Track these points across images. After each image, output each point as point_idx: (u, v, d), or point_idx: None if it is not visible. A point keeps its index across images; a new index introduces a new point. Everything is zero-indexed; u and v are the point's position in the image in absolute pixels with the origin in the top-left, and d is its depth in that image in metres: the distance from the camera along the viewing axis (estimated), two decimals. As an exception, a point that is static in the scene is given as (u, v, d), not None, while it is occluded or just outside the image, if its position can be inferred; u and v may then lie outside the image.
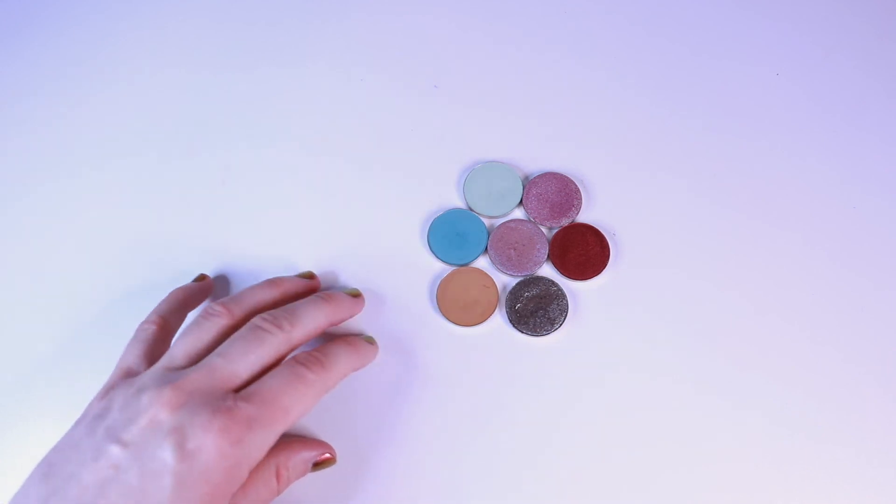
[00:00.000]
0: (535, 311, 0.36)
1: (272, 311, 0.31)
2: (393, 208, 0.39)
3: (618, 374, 0.35)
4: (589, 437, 0.34)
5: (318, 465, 0.32)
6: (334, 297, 0.33)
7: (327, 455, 0.33)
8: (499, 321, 0.36)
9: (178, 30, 0.44)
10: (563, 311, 0.36)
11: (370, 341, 0.34)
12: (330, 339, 0.34)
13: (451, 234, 0.38)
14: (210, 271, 0.37)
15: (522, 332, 0.36)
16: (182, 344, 0.29)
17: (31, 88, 0.42)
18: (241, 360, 0.28)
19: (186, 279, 0.37)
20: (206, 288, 0.36)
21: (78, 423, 0.28)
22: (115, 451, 0.25)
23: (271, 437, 0.27)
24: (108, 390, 0.29)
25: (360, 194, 0.39)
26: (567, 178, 0.39)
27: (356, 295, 0.35)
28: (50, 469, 0.26)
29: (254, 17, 0.44)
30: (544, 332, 0.36)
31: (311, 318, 0.31)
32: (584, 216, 0.39)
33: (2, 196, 0.40)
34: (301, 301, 0.32)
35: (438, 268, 0.37)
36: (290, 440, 0.32)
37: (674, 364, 0.35)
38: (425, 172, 0.40)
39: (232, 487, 0.26)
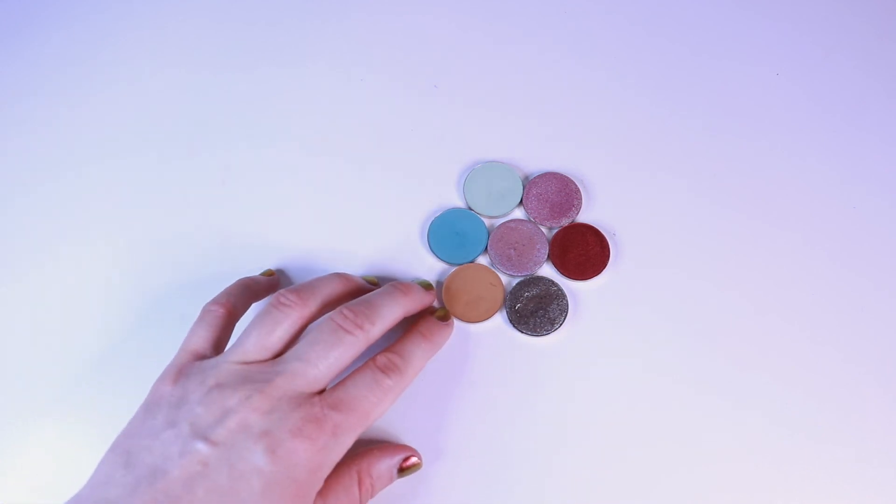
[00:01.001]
0: (535, 311, 0.36)
1: (351, 307, 0.30)
2: (393, 208, 0.39)
3: (618, 374, 0.35)
4: (589, 437, 0.34)
5: (403, 471, 0.32)
6: (411, 289, 0.33)
7: (413, 459, 0.32)
8: (499, 321, 0.36)
9: (178, 30, 0.44)
10: (563, 311, 0.36)
11: (444, 317, 0.34)
12: (406, 328, 0.33)
13: (451, 234, 0.38)
14: (210, 271, 0.37)
15: (522, 332, 0.36)
16: (255, 335, 0.29)
17: (31, 88, 0.42)
18: (323, 362, 0.28)
19: (186, 279, 0.37)
20: (274, 284, 0.36)
21: (150, 407, 0.28)
22: (203, 448, 0.25)
23: (351, 441, 0.28)
24: (179, 375, 0.28)
25: (360, 194, 0.39)
26: (567, 178, 0.39)
27: (428, 287, 0.35)
28: (129, 457, 0.26)
29: (254, 17, 0.44)
30: (544, 332, 0.36)
31: (390, 313, 0.31)
32: (584, 216, 0.39)
33: (1, 196, 0.40)
34: (378, 293, 0.32)
35: (439, 267, 0.37)
36: (371, 448, 0.32)
37: (674, 364, 0.35)
38: (425, 172, 0.40)
39: (315, 489, 0.27)
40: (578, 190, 0.39)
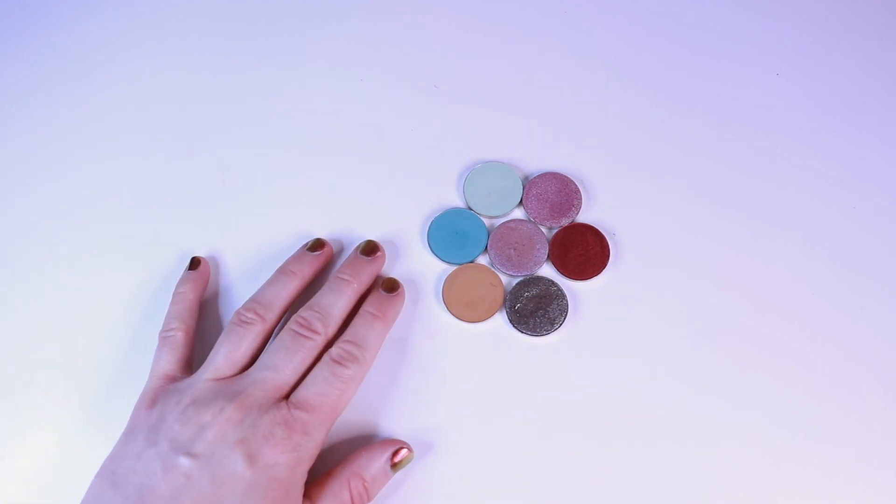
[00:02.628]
0: (535, 310, 0.36)
1: (304, 315, 0.32)
2: (393, 208, 0.39)
3: (618, 373, 0.35)
4: (589, 436, 0.34)
5: (397, 466, 0.32)
6: (355, 272, 0.35)
7: (404, 452, 0.32)
8: (499, 321, 0.36)
9: (178, 30, 0.44)
10: (563, 311, 0.36)
11: (391, 287, 0.35)
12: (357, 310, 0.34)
13: (451, 234, 0.38)
14: (209, 271, 0.37)
15: (522, 332, 0.36)
16: (223, 352, 0.31)
17: (31, 88, 0.42)
18: (287, 367, 0.31)
19: (186, 279, 0.37)
20: (205, 272, 0.37)
21: (131, 433, 0.29)
22: (185, 462, 0.27)
23: (323, 433, 0.30)
24: (154, 399, 0.30)
25: (360, 194, 0.39)
26: (567, 178, 0.39)
27: (372, 251, 0.36)
28: (116, 479, 0.27)
29: (254, 17, 0.44)
30: (544, 332, 0.36)
31: (341, 308, 0.33)
32: (584, 216, 0.39)
33: (1, 196, 0.40)
34: (324, 292, 0.33)
35: (439, 267, 0.37)
36: (359, 450, 0.32)
37: (674, 364, 0.35)
38: (425, 172, 0.40)
39: (298, 484, 0.29)
40: (578, 190, 0.39)
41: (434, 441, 0.34)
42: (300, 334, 0.31)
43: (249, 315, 0.32)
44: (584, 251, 0.37)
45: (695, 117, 0.41)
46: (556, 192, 0.38)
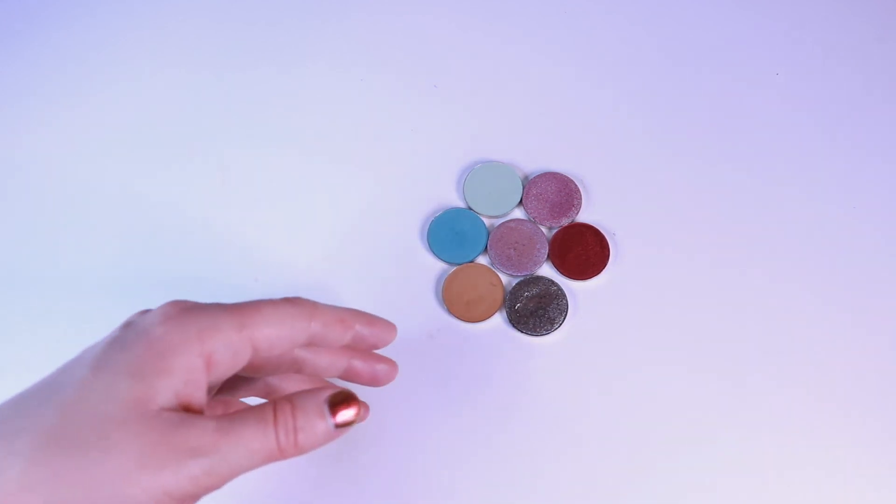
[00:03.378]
0: (535, 310, 0.36)
1: None
2: (393, 208, 0.39)
3: (617, 373, 0.35)
4: (588, 436, 0.34)
5: (340, 425, 0.24)
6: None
7: (348, 410, 0.24)
8: (499, 321, 0.36)
9: (178, 30, 0.44)
10: (563, 310, 0.36)
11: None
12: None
13: (450, 234, 0.38)
14: (209, 272, 0.37)
15: (522, 332, 0.36)
16: None
17: (31, 88, 0.42)
18: None
19: (186, 279, 0.37)
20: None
21: None
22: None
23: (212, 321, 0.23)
24: None
25: (360, 194, 0.39)
26: (567, 178, 0.39)
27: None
28: None
29: (254, 17, 0.44)
30: (544, 332, 0.36)
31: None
32: (584, 216, 0.39)
33: (1, 196, 0.40)
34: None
35: (439, 267, 0.37)
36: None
37: (673, 363, 0.35)
38: (425, 172, 0.40)
39: (179, 350, 0.22)
40: (578, 190, 0.39)
41: (434, 441, 0.34)
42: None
43: None
44: (583, 251, 0.37)
45: (695, 117, 0.41)
46: (556, 192, 0.38)
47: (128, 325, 0.24)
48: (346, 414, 0.24)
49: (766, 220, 0.38)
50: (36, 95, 0.42)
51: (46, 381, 0.23)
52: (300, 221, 0.39)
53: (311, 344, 0.25)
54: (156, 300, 0.36)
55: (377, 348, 0.27)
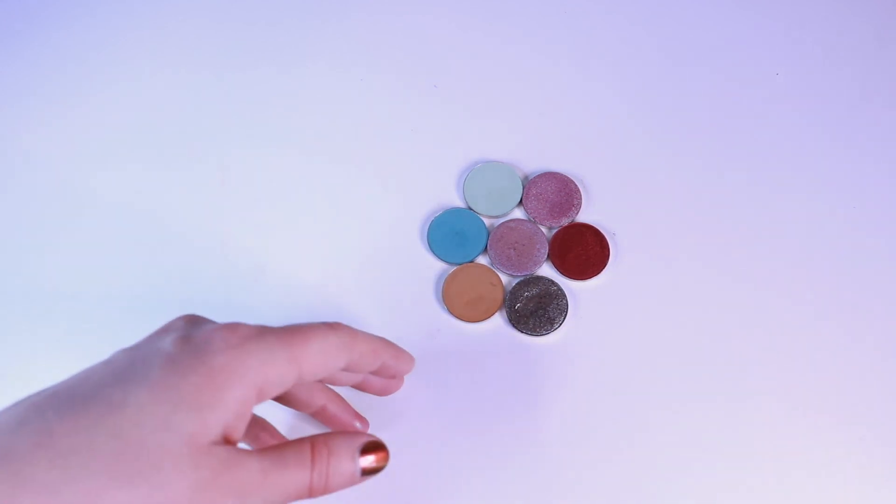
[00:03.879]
0: (535, 310, 0.36)
1: None
2: (393, 208, 0.39)
3: (617, 373, 0.35)
4: (588, 436, 0.34)
5: (367, 470, 0.26)
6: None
7: (373, 458, 0.26)
8: (499, 321, 0.36)
9: (178, 30, 0.44)
10: (563, 310, 0.36)
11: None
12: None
13: (451, 234, 0.38)
14: (209, 272, 0.37)
15: (522, 332, 0.36)
16: None
17: (31, 88, 0.42)
18: None
19: (185, 279, 0.37)
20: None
21: None
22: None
23: (273, 354, 0.23)
24: None
25: (360, 194, 0.39)
26: (567, 178, 0.39)
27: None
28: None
29: (254, 17, 0.44)
30: (544, 332, 0.36)
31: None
32: (584, 216, 0.39)
33: (1, 196, 0.40)
34: None
35: (439, 267, 0.37)
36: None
37: (673, 363, 0.35)
38: (425, 172, 0.40)
39: (232, 378, 0.22)
40: (578, 190, 0.39)
41: (433, 441, 0.34)
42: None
43: None
44: (583, 251, 0.37)
45: (695, 117, 0.41)
46: (555, 191, 0.38)
47: (185, 341, 0.23)
48: (372, 461, 0.26)
49: (766, 220, 0.38)
50: (36, 95, 0.42)
51: (92, 388, 0.22)
52: (300, 221, 0.39)
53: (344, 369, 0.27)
54: (156, 300, 0.37)
55: (395, 377, 0.31)
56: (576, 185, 0.39)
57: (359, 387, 0.31)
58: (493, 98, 0.42)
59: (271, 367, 0.23)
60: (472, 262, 0.37)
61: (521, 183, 0.39)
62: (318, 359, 0.24)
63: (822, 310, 0.36)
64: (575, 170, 0.39)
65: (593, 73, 0.42)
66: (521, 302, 0.36)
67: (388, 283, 0.37)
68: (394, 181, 0.39)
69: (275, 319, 0.28)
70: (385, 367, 0.29)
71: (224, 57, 0.43)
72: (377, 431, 0.34)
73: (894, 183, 0.39)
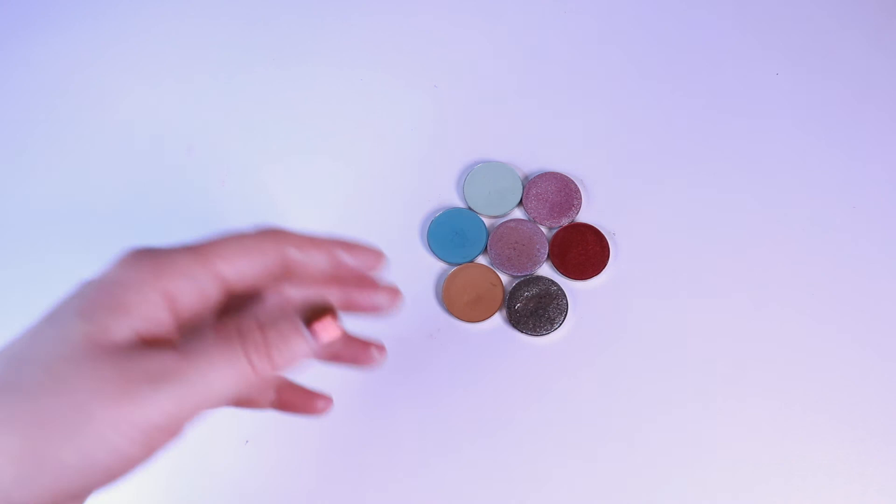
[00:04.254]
0: (535, 310, 0.36)
1: None
2: (393, 208, 0.39)
3: (617, 373, 0.35)
4: (588, 435, 0.34)
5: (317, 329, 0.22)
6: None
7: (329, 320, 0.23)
8: (499, 321, 0.36)
9: (178, 30, 0.44)
10: (563, 310, 0.36)
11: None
12: None
13: (451, 234, 0.38)
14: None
15: (522, 332, 0.36)
16: None
17: (31, 88, 0.42)
18: None
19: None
20: None
21: None
22: None
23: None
24: None
25: (360, 194, 0.39)
26: (567, 178, 0.39)
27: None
28: None
29: (254, 17, 0.44)
30: (544, 332, 0.36)
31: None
32: (584, 216, 0.39)
33: (2, 197, 0.40)
34: None
35: (439, 267, 0.37)
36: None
37: (673, 363, 0.35)
38: (425, 172, 0.40)
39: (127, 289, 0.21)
40: (578, 190, 0.39)
41: (434, 440, 0.34)
42: None
43: None
44: (583, 251, 0.37)
45: (695, 117, 0.41)
46: (556, 192, 0.38)
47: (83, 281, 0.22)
48: (326, 327, 0.22)
49: (766, 220, 0.38)
50: (36, 95, 0.42)
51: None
52: (300, 221, 0.39)
53: (292, 275, 0.24)
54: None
55: (367, 277, 0.26)
56: (576, 185, 0.39)
57: (347, 309, 0.26)
58: (493, 98, 0.42)
59: (173, 269, 0.22)
60: (472, 262, 0.37)
61: (521, 183, 0.39)
62: (238, 259, 0.22)
63: (822, 310, 0.36)
64: (575, 170, 0.39)
65: (593, 74, 0.42)
66: (521, 302, 0.36)
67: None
68: (394, 181, 0.39)
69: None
70: (343, 266, 0.25)
71: (224, 57, 0.43)
72: (376, 431, 0.34)
73: (893, 183, 0.40)
